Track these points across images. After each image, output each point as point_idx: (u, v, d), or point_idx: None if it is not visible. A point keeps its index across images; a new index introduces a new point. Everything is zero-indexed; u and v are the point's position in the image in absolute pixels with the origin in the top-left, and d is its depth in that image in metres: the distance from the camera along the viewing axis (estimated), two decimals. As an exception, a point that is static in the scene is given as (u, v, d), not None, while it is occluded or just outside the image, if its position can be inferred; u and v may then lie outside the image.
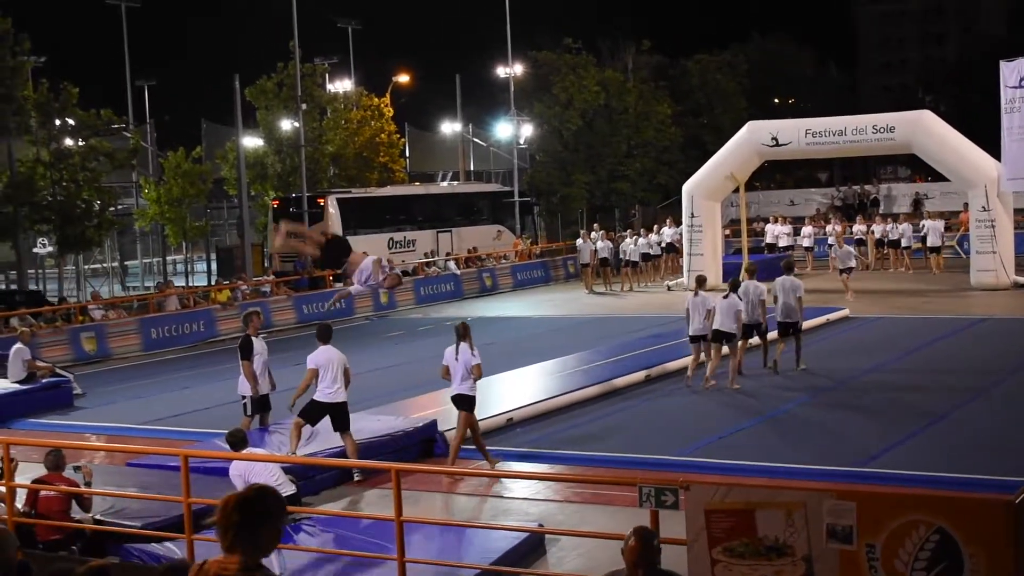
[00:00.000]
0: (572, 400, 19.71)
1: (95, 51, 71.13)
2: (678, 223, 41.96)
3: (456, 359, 15.56)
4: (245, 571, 5.33)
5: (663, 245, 42.31)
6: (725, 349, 21.19)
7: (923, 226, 40.66)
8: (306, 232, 19.72)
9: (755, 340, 22.33)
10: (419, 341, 29.96)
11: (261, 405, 17.35)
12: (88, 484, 12.79)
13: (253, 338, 17.32)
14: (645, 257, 41.25)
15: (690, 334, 21.13)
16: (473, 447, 16.40)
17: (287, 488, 12.87)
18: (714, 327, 20.75)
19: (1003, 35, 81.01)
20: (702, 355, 21.17)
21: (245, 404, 17.20)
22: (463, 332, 15.70)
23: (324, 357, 15.57)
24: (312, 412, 15.60)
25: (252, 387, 17.01)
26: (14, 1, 36.26)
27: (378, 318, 35.97)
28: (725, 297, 20.99)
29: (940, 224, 40.74)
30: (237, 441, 13.20)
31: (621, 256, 40.50)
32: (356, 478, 15.25)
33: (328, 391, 15.41)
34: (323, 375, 15.46)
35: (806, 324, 24.30)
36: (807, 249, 44.05)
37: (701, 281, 21.88)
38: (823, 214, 51.03)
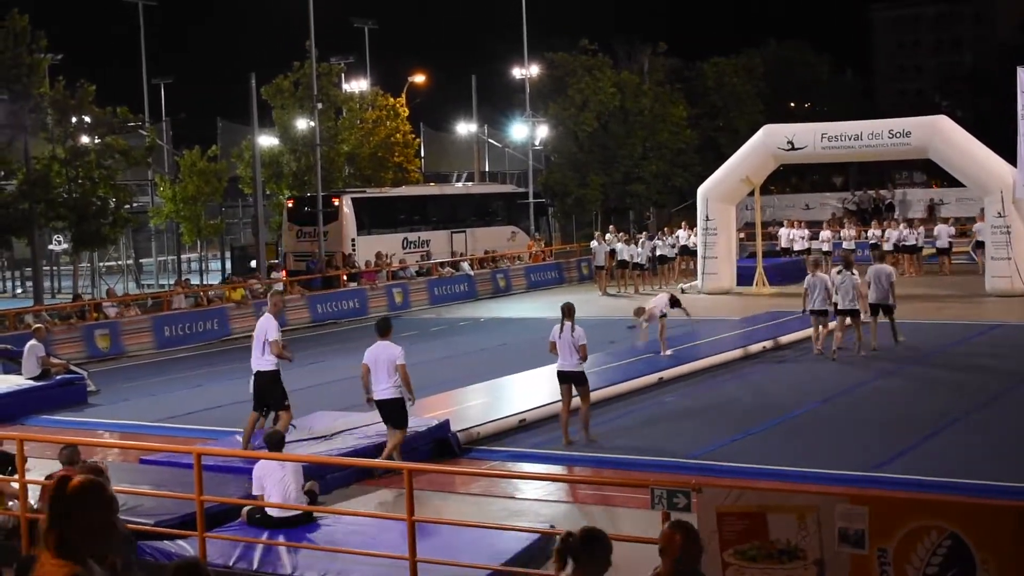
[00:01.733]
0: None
1: (112, 49, 71.45)
2: (693, 226, 41.96)
3: (560, 336, 16.60)
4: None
5: (677, 248, 42.26)
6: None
7: (936, 231, 41.49)
8: None
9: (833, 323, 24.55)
10: (432, 341, 29.97)
11: None
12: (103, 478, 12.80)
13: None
14: (662, 260, 41.20)
15: (810, 309, 24.11)
16: (487, 447, 16.49)
17: (302, 499, 12.74)
18: (840, 307, 23.77)
19: (1020, 41, 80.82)
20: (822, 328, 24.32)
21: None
22: (568, 311, 16.77)
23: (372, 354, 15.62)
24: (379, 410, 15.71)
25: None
26: (32, -1, 36.39)
27: (392, 318, 35.92)
28: (839, 273, 23.93)
29: (950, 228, 41.71)
30: (275, 442, 13.17)
31: (627, 259, 40.33)
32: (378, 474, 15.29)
33: (376, 389, 15.49)
34: (372, 372, 15.53)
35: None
36: (825, 253, 43.97)
37: (817, 263, 25.35)
38: (838, 219, 50.96)
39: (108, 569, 5.05)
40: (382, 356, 15.52)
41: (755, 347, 25.08)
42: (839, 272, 23.98)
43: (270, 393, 16.56)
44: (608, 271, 40.27)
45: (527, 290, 42.52)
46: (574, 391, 16.93)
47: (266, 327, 16.65)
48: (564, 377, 16.85)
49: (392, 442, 15.42)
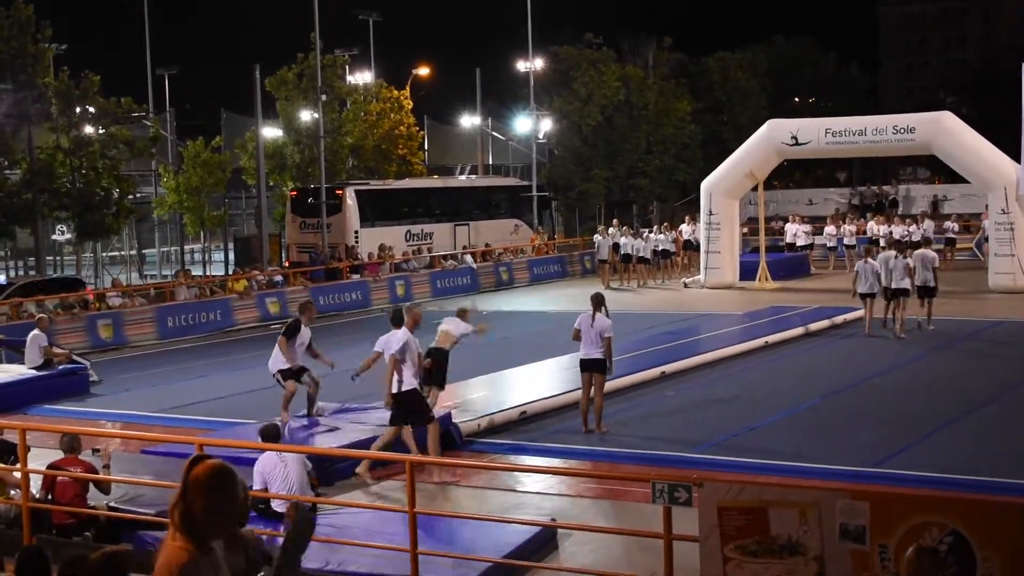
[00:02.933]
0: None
1: (116, 39, 71.46)
2: (695, 220, 42.00)
3: (592, 325, 16.79)
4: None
5: (680, 243, 42.25)
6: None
7: (923, 228, 41.81)
8: None
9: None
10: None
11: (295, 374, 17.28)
12: (107, 466, 12.84)
13: (304, 326, 17.29)
14: (664, 254, 41.20)
15: (860, 292, 26.00)
16: (489, 440, 16.52)
17: (307, 492, 12.68)
18: (894, 286, 25.70)
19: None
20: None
21: (278, 380, 17.26)
22: (598, 301, 17.01)
23: (393, 344, 15.38)
24: (394, 412, 15.36)
25: (288, 359, 16.90)
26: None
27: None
28: (895, 257, 25.99)
29: (932, 224, 43.00)
30: (269, 436, 13.04)
31: (631, 252, 40.33)
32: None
33: (396, 381, 15.25)
34: (400, 362, 15.26)
35: (822, 324, 27.43)
36: (830, 249, 44.00)
37: (869, 251, 27.90)
38: (842, 214, 50.96)
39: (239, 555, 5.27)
40: (408, 345, 15.31)
41: (756, 342, 25.08)
42: (895, 257, 26.09)
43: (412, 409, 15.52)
44: (612, 265, 40.24)
45: (530, 283, 42.49)
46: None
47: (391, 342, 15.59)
48: (586, 365, 17.00)
49: (428, 434, 15.34)
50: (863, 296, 26.15)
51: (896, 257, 26.10)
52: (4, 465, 13.08)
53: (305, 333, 17.36)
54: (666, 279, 40.90)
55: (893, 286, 25.76)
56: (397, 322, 15.79)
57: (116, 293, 31.99)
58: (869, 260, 26.40)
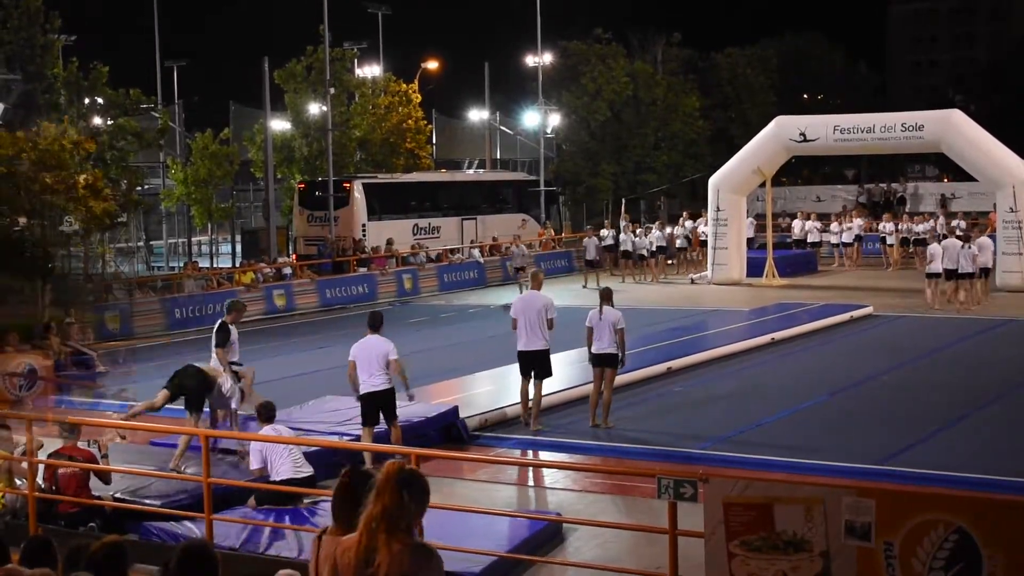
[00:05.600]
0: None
1: (126, 30, 71.47)
2: (697, 217, 42.01)
3: (601, 319, 16.91)
4: None
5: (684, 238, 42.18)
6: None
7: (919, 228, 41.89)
8: None
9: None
10: (441, 328, 29.97)
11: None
12: (105, 456, 12.89)
13: (231, 325, 16.61)
14: (661, 250, 41.08)
15: (927, 272, 30.50)
16: (493, 434, 16.53)
17: (305, 469, 12.85)
18: (959, 271, 29.52)
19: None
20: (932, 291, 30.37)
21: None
22: (606, 296, 17.28)
23: (361, 348, 15.11)
24: (363, 410, 15.14)
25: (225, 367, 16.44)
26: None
27: (401, 304, 36.00)
28: (961, 247, 29.66)
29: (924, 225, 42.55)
30: (271, 415, 13.37)
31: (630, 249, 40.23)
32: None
33: (367, 382, 14.91)
34: (360, 367, 14.97)
35: (828, 321, 27.58)
36: (834, 246, 43.92)
37: (934, 236, 32.79)
38: (849, 211, 50.89)
39: None
40: (372, 349, 15.00)
41: (763, 339, 25.06)
42: (961, 246, 29.68)
43: (543, 365, 17.17)
44: (616, 261, 40.19)
45: (537, 278, 42.38)
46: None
47: (547, 304, 17.31)
48: (598, 360, 17.02)
49: (396, 435, 15.05)
50: (928, 276, 30.35)
51: (962, 247, 29.71)
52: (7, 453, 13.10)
53: (234, 333, 16.30)
54: (673, 276, 40.82)
55: (959, 271, 29.51)
56: (372, 326, 15.34)
57: (120, 286, 32.03)
58: (935, 244, 30.60)
